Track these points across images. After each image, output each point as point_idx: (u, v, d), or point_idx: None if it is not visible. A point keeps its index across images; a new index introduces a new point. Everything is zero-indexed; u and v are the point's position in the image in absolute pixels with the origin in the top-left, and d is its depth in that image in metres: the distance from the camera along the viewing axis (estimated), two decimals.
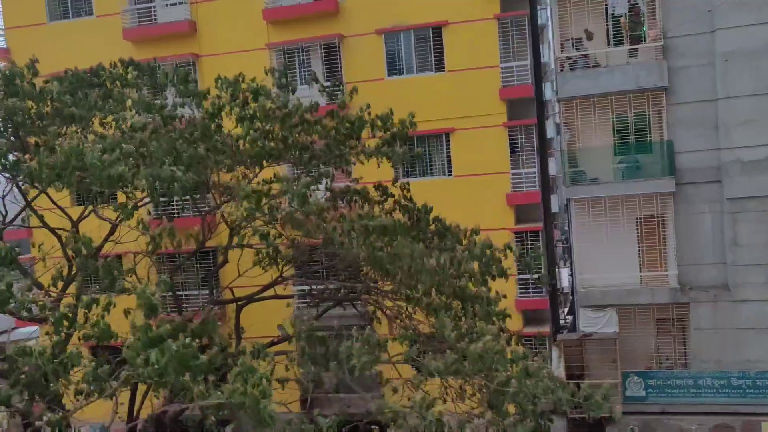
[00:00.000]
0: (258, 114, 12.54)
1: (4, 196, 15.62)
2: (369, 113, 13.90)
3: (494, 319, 12.60)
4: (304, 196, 11.16)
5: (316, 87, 16.19)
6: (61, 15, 23.00)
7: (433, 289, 11.79)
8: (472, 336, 10.74)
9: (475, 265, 12.56)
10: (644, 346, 19.37)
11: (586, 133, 19.45)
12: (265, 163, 13.66)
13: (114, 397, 8.80)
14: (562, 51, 19.63)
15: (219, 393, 8.00)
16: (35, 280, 12.81)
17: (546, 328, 20.04)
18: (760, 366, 18.20)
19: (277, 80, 14.57)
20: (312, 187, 13.78)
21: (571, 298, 22.33)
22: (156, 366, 7.51)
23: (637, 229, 19.22)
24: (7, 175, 14.69)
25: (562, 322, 22.22)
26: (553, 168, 27.04)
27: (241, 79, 13.32)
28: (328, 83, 17.26)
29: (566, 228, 25.57)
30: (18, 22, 22.85)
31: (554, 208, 29.14)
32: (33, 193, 15.47)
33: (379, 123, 13.51)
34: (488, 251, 12.65)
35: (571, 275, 20.80)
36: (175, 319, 8.64)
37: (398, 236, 11.17)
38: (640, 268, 19.25)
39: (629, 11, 19.32)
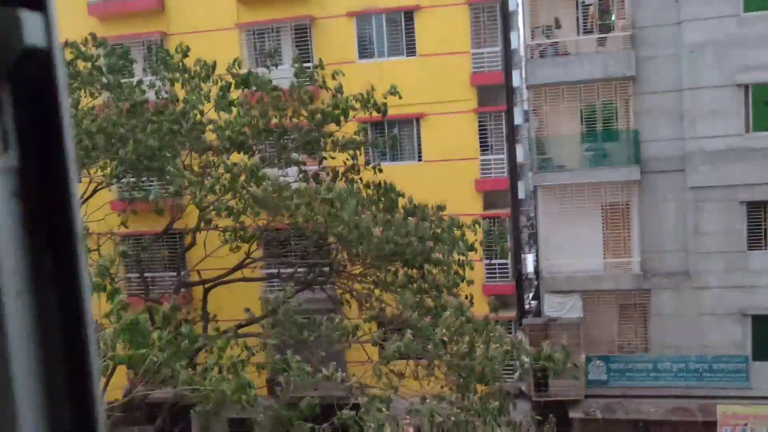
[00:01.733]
0: (241, 102, 12.38)
1: None
2: (341, 94, 13.81)
3: (458, 284, 12.69)
4: (253, 171, 11.08)
5: (284, 68, 16.06)
6: None
7: (398, 264, 11.85)
8: (437, 311, 10.85)
9: (438, 231, 12.69)
10: (607, 331, 19.78)
11: (554, 121, 19.65)
12: (236, 151, 13.52)
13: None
14: (532, 38, 19.75)
15: (204, 381, 7.96)
16: None
17: (512, 313, 20.29)
18: (717, 350, 18.75)
19: (258, 62, 14.41)
20: (281, 172, 13.71)
21: (536, 283, 22.65)
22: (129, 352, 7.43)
23: (602, 216, 19.55)
24: None
25: (527, 307, 22.55)
26: (520, 155, 27.32)
27: (209, 65, 13.11)
28: (308, 65, 17.08)
29: (532, 214, 25.89)
30: None
31: (521, 195, 29.50)
32: None
33: (358, 104, 13.42)
34: (455, 227, 12.78)
35: (537, 261, 21.10)
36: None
37: (360, 207, 11.19)
38: (605, 254, 19.59)
39: (599, 0, 19.52)
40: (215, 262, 15.87)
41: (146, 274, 17.62)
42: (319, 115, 13.28)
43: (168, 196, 13.58)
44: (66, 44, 15.37)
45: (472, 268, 13.41)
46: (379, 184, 14.30)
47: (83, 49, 15.15)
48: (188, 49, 13.68)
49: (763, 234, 18.59)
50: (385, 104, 13.91)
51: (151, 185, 15.77)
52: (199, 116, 13.11)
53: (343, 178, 14.73)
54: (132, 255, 16.83)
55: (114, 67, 15.33)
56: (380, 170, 15.27)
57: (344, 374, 11.62)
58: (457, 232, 13.16)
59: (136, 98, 13.45)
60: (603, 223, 19.57)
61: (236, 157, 14.13)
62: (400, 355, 10.49)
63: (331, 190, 10.82)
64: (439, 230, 12.70)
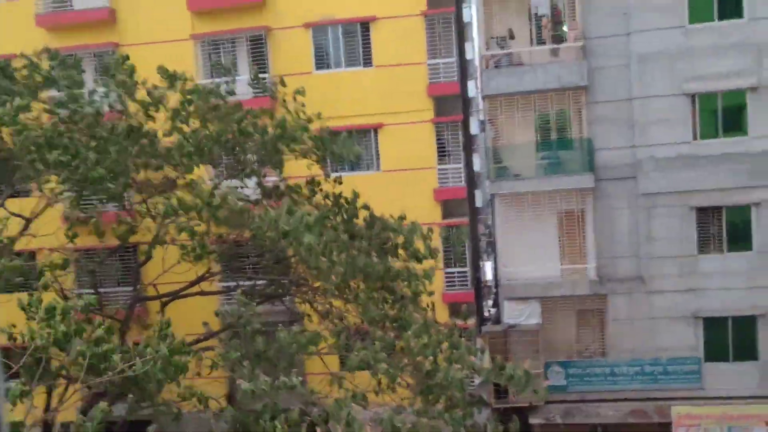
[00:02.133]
0: (193, 113, 12.22)
1: None
2: (299, 113, 13.77)
3: (420, 293, 12.74)
4: (222, 199, 11.00)
5: (239, 80, 15.90)
6: None
7: (359, 278, 11.85)
8: (401, 322, 10.86)
9: (400, 239, 12.72)
10: (565, 336, 20.06)
11: (510, 130, 19.93)
12: (194, 165, 13.33)
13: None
14: (487, 49, 20.02)
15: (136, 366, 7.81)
16: None
17: (471, 321, 20.40)
18: (671, 353, 19.18)
19: (213, 75, 14.26)
20: (239, 185, 13.56)
21: (495, 290, 22.85)
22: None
23: (558, 224, 19.85)
24: None
25: (486, 314, 22.72)
26: (477, 164, 27.59)
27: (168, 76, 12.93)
28: (263, 76, 16.93)
29: (490, 222, 26.14)
30: None
31: (479, 203, 29.78)
32: None
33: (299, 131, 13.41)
34: (416, 233, 12.85)
35: (495, 268, 21.29)
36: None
37: (322, 228, 11.15)
38: (561, 261, 19.88)
39: (551, 12, 19.90)
40: (172, 276, 15.59)
41: (101, 290, 17.21)
42: (277, 130, 13.18)
43: (120, 220, 13.34)
44: (20, 55, 15.00)
45: (431, 280, 13.48)
46: (339, 195, 14.27)
47: (35, 60, 14.81)
48: (133, 68, 13.43)
49: (712, 238, 19.13)
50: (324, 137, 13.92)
51: (101, 201, 15.45)
52: (152, 129, 12.90)
53: (301, 192, 14.66)
54: (85, 270, 16.45)
55: (69, 78, 14.95)
56: (340, 182, 15.24)
57: (304, 383, 11.54)
58: (418, 243, 13.23)
59: (86, 110, 13.15)
60: (559, 230, 19.86)
61: (199, 171, 13.97)
62: (365, 366, 10.46)
63: (291, 214, 10.76)
64: (400, 239, 12.73)
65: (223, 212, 11.35)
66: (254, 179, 14.58)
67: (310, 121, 14.38)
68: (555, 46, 19.66)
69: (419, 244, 13.12)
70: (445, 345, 10.73)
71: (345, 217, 13.57)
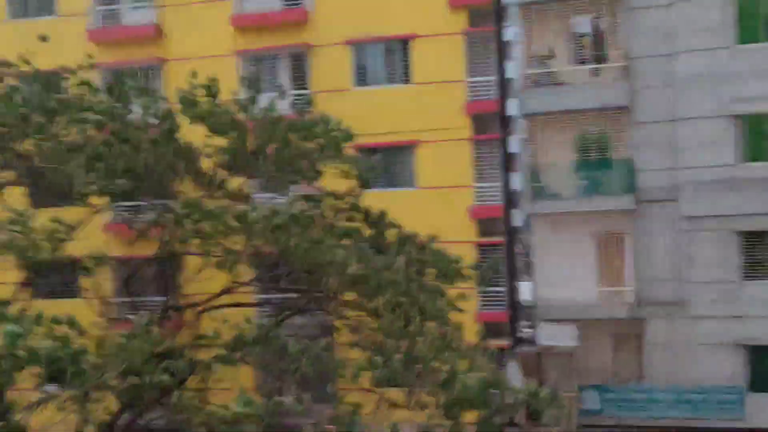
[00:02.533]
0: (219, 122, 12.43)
1: None
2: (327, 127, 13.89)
3: (444, 312, 12.67)
4: (243, 214, 11.13)
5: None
6: (23, 13, 22.55)
7: (384, 294, 11.84)
8: (416, 337, 10.80)
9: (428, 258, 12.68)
10: (601, 360, 19.66)
11: (549, 149, 19.76)
12: (229, 175, 13.53)
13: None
14: (527, 68, 19.93)
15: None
16: None
17: (505, 342, 20.17)
18: (712, 381, 18.61)
19: (246, 89, 14.46)
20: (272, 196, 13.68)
21: (531, 312, 22.55)
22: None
23: (597, 245, 19.55)
24: None
25: (522, 335, 22.42)
26: (516, 183, 27.35)
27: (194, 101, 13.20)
28: (303, 93, 17.17)
29: (528, 242, 25.86)
30: None
31: (517, 223, 29.49)
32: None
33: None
34: (442, 256, 12.79)
35: (532, 289, 21.04)
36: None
37: (353, 240, 11.18)
38: (599, 283, 19.55)
39: (593, 31, 19.74)
40: (208, 287, 15.79)
41: (137, 298, 17.55)
42: (321, 140, 13.25)
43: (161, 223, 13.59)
44: (67, 70, 15.47)
45: (462, 301, 13.38)
46: (367, 212, 14.29)
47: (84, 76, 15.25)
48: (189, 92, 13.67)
49: (758, 264, 18.57)
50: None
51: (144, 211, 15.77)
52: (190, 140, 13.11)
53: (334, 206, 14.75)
54: (122, 279, 16.80)
55: (130, 93, 15.30)
56: (357, 195, 15.28)
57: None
58: (449, 265, 13.16)
59: (135, 123, 13.48)
60: (597, 252, 19.56)
61: (236, 182, 14.17)
62: (388, 381, 10.43)
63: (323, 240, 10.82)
64: (427, 259, 12.68)
65: (260, 227, 11.43)
66: (290, 191, 14.72)
67: (350, 136, 14.36)
68: (596, 65, 19.48)
69: (448, 267, 13.03)
70: (465, 362, 10.62)
71: (373, 232, 13.58)
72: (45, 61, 15.33)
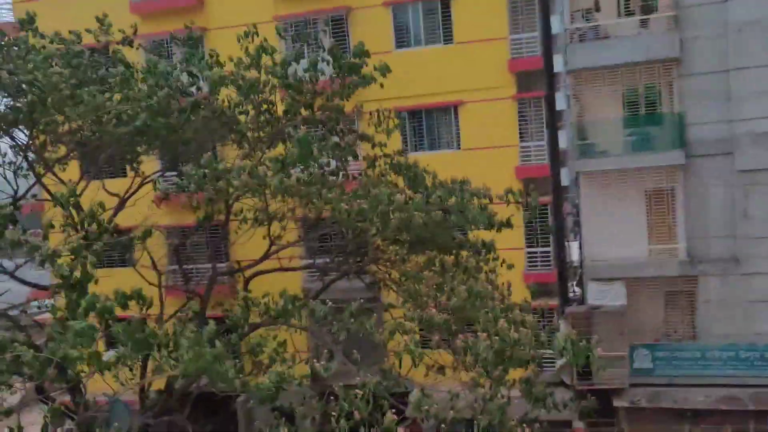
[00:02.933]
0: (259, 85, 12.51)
1: (15, 171, 15.75)
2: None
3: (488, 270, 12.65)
4: (282, 164, 11.21)
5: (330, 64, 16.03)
6: None
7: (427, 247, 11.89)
8: (469, 295, 10.83)
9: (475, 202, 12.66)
10: (652, 319, 19.39)
11: (596, 106, 19.27)
12: (266, 137, 13.66)
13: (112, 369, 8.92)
14: (572, 22, 19.37)
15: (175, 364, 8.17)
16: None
17: (554, 301, 20.07)
18: (767, 339, 18.18)
19: (288, 48, 14.49)
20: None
21: (579, 271, 22.32)
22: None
23: (646, 203, 19.12)
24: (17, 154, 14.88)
25: (570, 295, 22.24)
26: (563, 141, 26.82)
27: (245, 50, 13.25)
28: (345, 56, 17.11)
29: (576, 201, 25.45)
30: None
31: (565, 182, 29.00)
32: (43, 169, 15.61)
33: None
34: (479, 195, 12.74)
35: (581, 248, 20.78)
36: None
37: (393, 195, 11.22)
38: (649, 241, 19.17)
39: None
40: (256, 253, 16.10)
41: (188, 266, 18.01)
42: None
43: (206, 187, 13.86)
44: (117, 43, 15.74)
45: (492, 251, 13.30)
46: (402, 164, 14.29)
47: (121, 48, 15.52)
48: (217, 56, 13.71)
49: None
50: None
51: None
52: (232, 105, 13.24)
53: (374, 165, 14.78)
54: (173, 247, 17.23)
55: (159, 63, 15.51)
56: (401, 154, 15.23)
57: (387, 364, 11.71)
58: (484, 201, 13.07)
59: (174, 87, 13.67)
60: (647, 209, 19.13)
61: (279, 150, 14.31)
62: (443, 342, 10.53)
63: (358, 197, 10.86)
64: (462, 200, 12.59)
65: (295, 184, 11.53)
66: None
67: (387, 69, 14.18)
68: (644, 16, 18.79)
69: (479, 216, 12.90)
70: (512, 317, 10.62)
71: (409, 183, 13.58)
72: (91, 34, 15.66)
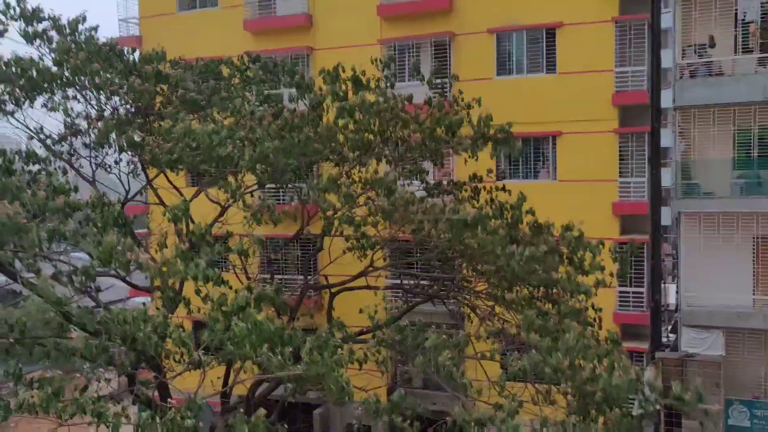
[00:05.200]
0: (353, 106, 12.73)
1: (128, 173, 16.75)
2: (468, 111, 13.73)
3: (583, 312, 12.26)
4: (389, 189, 11.30)
5: (422, 82, 16.19)
6: (189, 5, 24.31)
7: (519, 283, 11.63)
8: (558, 334, 10.51)
9: (565, 252, 12.32)
10: (752, 373, 18.22)
11: (704, 145, 18.48)
12: (363, 157, 13.86)
13: (203, 369, 9.21)
14: (683, 57, 18.72)
15: (296, 366, 8.23)
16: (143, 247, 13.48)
17: (645, 345, 19.24)
18: None
19: (383, 72, 14.69)
20: (406, 181, 13.82)
21: (675, 315, 21.31)
22: (236, 334, 7.73)
23: (753, 249, 18.07)
24: (131, 154, 15.77)
25: (663, 340, 21.25)
26: (666, 179, 25.85)
27: (341, 69, 13.55)
28: (438, 79, 17.19)
29: (677, 243, 24.38)
30: (151, 12, 24.38)
31: (665, 221, 27.87)
32: (154, 172, 16.51)
33: (474, 123, 13.29)
34: (582, 247, 12.37)
35: (678, 292, 19.85)
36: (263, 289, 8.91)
37: (483, 229, 11.03)
38: (755, 290, 18.09)
39: (761, 17, 18.16)
40: (343, 268, 16.35)
41: (279, 276, 18.48)
42: (439, 124, 13.16)
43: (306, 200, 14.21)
44: (222, 61, 16.52)
45: (590, 294, 12.90)
46: (503, 202, 14.10)
47: (237, 64, 16.24)
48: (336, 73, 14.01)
49: None
50: (503, 134, 13.54)
51: (288, 191, 16.50)
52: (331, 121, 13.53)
53: (467, 190, 14.66)
54: (265, 257, 17.73)
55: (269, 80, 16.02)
56: (504, 188, 14.96)
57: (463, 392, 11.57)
58: (587, 255, 12.73)
59: (278, 105, 14.16)
60: (754, 257, 18.08)
61: (373, 166, 14.52)
62: (523, 375, 10.27)
63: (457, 212, 10.82)
64: (566, 250, 12.35)
65: (391, 203, 11.63)
66: (418, 176, 14.86)
67: (490, 120, 13.97)
68: (763, 54, 17.91)
69: (586, 256, 12.59)
70: (605, 360, 10.20)
71: (508, 221, 13.37)
72: (207, 49, 16.52)
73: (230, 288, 8.89)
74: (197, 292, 8.42)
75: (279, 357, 7.91)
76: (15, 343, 9.34)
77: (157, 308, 9.50)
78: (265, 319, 7.83)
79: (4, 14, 14.05)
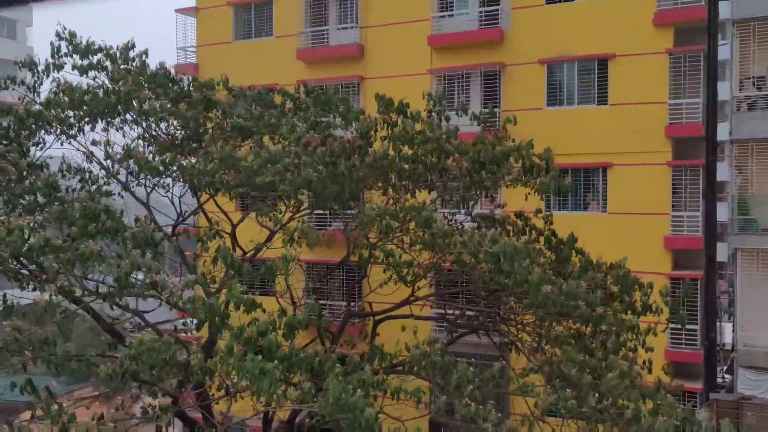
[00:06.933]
0: (401, 135, 12.79)
1: (180, 197, 17.15)
2: (513, 140, 13.60)
3: (631, 351, 11.92)
4: (427, 219, 11.25)
5: (471, 122, 16.12)
6: (245, 35, 24.98)
7: (563, 318, 11.38)
8: (601, 371, 10.23)
9: (614, 289, 12.02)
10: None
11: (762, 179, 17.94)
12: (411, 185, 13.87)
13: (230, 395, 9.28)
14: (740, 89, 18.29)
15: (314, 399, 8.21)
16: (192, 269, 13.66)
17: (697, 384, 18.56)
18: None
19: (432, 105, 14.72)
20: (452, 211, 13.73)
21: (731, 355, 20.52)
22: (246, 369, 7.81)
23: None
24: (178, 178, 16.19)
25: (718, 380, 20.46)
26: (721, 214, 25.14)
27: (390, 100, 13.66)
28: (485, 110, 17.16)
29: (733, 280, 23.58)
30: (208, 40, 25.14)
31: (721, 257, 27.03)
32: (206, 197, 16.87)
33: (517, 154, 13.12)
34: (633, 286, 12.06)
35: (734, 331, 19.15)
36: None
37: (527, 261, 10.84)
38: None
39: None
40: (388, 296, 16.32)
41: (323, 302, 18.55)
42: (484, 157, 13.02)
43: (351, 230, 14.29)
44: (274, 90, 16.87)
45: (655, 335, 12.50)
46: (553, 234, 13.88)
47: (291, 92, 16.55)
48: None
49: None
50: (545, 164, 13.27)
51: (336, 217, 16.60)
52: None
53: (511, 226, 14.47)
54: (309, 282, 17.83)
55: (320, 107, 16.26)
56: (551, 222, 14.68)
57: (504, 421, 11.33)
58: (637, 294, 12.43)
59: (326, 133, 14.35)
60: None
61: (421, 195, 14.52)
62: (555, 410, 10.02)
63: (496, 243, 10.68)
64: (616, 288, 12.06)
65: (431, 235, 11.57)
66: (465, 207, 14.76)
67: (531, 147, 13.78)
68: None
69: (636, 296, 12.28)
70: (650, 401, 9.85)
71: (556, 256, 13.14)
72: (261, 77, 16.90)
73: (264, 311, 8.98)
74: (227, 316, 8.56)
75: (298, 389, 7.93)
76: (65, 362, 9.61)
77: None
78: (271, 367, 7.84)
79: (59, 51, 14.60)
